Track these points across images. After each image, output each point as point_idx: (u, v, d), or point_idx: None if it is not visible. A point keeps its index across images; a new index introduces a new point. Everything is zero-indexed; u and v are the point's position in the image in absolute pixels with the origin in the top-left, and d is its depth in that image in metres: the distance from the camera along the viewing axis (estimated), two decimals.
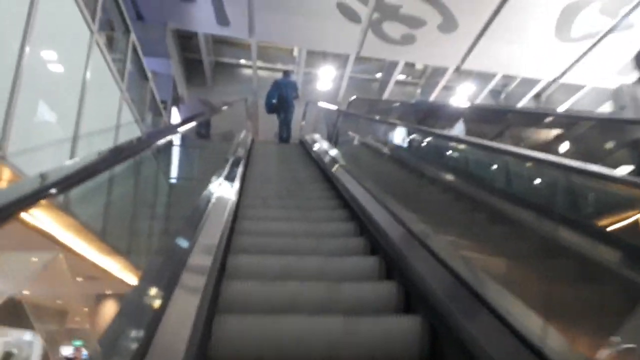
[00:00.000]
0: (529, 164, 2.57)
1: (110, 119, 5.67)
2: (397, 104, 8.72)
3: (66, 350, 8.29)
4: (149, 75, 8.07)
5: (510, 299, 1.79)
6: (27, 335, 8.55)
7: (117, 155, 1.71)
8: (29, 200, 0.92)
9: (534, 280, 2.05)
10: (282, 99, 9.28)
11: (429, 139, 3.99)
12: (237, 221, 3.36)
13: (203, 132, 7.90)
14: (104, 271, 4.71)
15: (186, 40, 12.74)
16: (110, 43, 6.18)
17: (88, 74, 4.77)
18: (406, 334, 1.91)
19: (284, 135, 9.62)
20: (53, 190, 0.98)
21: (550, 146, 4.15)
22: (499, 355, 1.52)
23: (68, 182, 1.11)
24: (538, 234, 2.29)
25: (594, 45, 10.81)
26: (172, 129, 3.25)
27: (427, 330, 1.91)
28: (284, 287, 2.26)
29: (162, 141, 2.53)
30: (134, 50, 6.92)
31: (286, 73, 9.76)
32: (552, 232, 2.16)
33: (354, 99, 9.83)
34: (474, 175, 3.52)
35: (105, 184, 2.37)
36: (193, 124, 3.63)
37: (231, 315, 1.96)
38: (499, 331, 1.63)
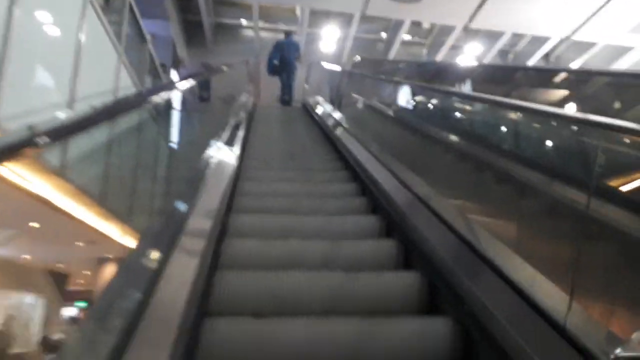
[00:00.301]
0: (533, 123, 2.55)
1: (108, 82, 5.59)
2: (403, 65, 8.54)
3: (70, 311, 8.56)
4: (148, 37, 7.91)
5: (511, 256, 1.80)
6: (28, 299, 8.80)
7: (112, 109, 1.69)
8: (14, 147, 0.92)
9: (535, 238, 2.06)
10: (284, 60, 9.12)
11: (434, 100, 3.94)
12: (238, 183, 3.37)
13: (204, 95, 7.84)
14: (104, 235, 4.78)
15: (185, 2, 12.44)
16: (106, 4, 6.04)
17: (83, 36, 4.68)
18: (405, 289, 1.95)
19: (286, 98, 9.52)
20: (41, 140, 0.98)
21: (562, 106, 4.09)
22: (497, 308, 1.55)
23: (58, 132, 1.11)
24: (542, 193, 2.29)
25: (607, 1, 10.45)
26: (170, 86, 3.21)
27: (426, 286, 1.94)
28: (285, 245, 2.30)
29: (159, 98, 2.50)
30: (131, 11, 6.77)
31: (288, 34, 9.54)
32: (557, 192, 2.16)
33: (359, 60, 9.64)
34: (478, 135, 3.49)
35: (102, 148, 2.36)
36: (192, 82, 3.59)
37: (231, 271, 2.00)
38: (497, 286, 1.66)
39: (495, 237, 1.97)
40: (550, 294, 1.53)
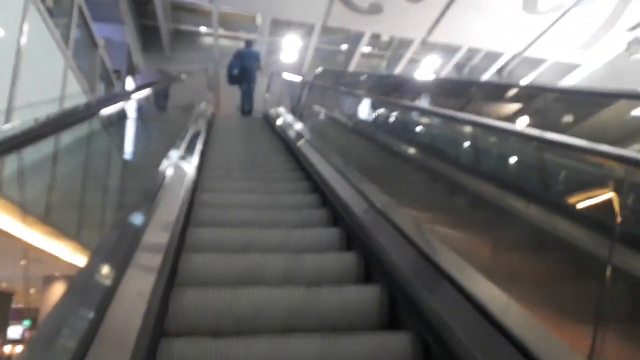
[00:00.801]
0: (488, 137, 2.65)
1: (54, 89, 5.20)
2: (364, 77, 8.69)
3: (15, 332, 8.10)
4: (100, 42, 7.64)
5: (468, 270, 1.86)
6: None
7: (57, 123, 1.62)
8: None
9: (490, 249, 2.14)
10: (244, 70, 9.10)
11: (394, 113, 4.03)
12: (197, 194, 3.32)
13: (162, 104, 7.67)
14: (50, 254, 4.55)
15: (142, 6, 12.18)
16: (55, 5, 5.78)
17: (24, 39, 4.44)
18: (367, 303, 1.97)
19: (246, 108, 9.48)
20: None
21: (515, 119, 4.28)
22: (455, 321, 1.59)
23: None
24: (497, 206, 2.38)
25: (559, 18, 11.06)
26: (125, 96, 3.11)
27: (387, 299, 1.97)
28: (246, 259, 2.27)
29: (112, 109, 2.42)
30: (81, 14, 6.53)
31: (249, 43, 9.52)
32: (511, 205, 2.25)
33: (321, 71, 9.74)
34: (437, 149, 3.59)
35: (46, 162, 2.24)
36: (147, 91, 3.51)
37: (190, 288, 1.96)
38: (456, 300, 1.70)
39: (453, 250, 2.03)
40: (505, 307, 1.59)
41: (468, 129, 2.95)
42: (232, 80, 9.16)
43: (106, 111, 2.35)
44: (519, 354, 1.34)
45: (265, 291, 1.96)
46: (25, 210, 3.22)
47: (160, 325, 1.75)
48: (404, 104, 3.84)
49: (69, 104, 5.28)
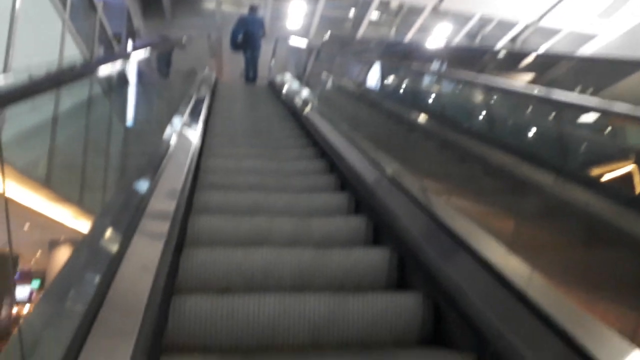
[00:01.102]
0: (500, 101, 2.64)
1: (51, 53, 4.98)
2: (374, 44, 8.54)
3: (22, 293, 8.31)
4: (98, 4, 7.48)
5: (479, 231, 1.88)
6: None
7: (55, 78, 1.56)
8: None
9: (496, 210, 2.17)
10: (248, 36, 8.93)
11: (407, 79, 3.99)
12: (202, 159, 3.33)
13: (164, 69, 7.61)
14: (53, 219, 4.59)
15: None
16: None
17: (18, 0, 4.32)
18: (375, 264, 2.01)
19: (250, 75, 9.39)
20: None
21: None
22: (461, 277, 1.63)
23: None
24: (500, 169, 2.39)
25: None
26: (124, 55, 3.05)
27: (395, 260, 2.01)
28: (253, 222, 2.31)
29: (112, 68, 2.38)
30: None
31: (252, 9, 9.29)
32: (516, 169, 2.26)
33: (329, 35, 9.59)
34: (446, 116, 3.59)
35: (47, 126, 2.21)
36: (148, 52, 3.46)
37: (199, 248, 2.00)
38: (466, 261, 1.73)
39: (460, 212, 2.05)
40: (516, 268, 1.61)
41: (479, 95, 2.94)
42: (236, 47, 9.03)
43: (105, 69, 2.30)
44: (531, 314, 1.37)
45: (275, 251, 2.00)
46: (26, 174, 3.23)
47: (171, 283, 1.80)
48: (419, 68, 3.78)
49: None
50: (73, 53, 5.50)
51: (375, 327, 1.73)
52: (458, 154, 2.96)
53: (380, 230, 2.33)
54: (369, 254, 2.06)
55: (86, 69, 2.04)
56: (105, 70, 2.32)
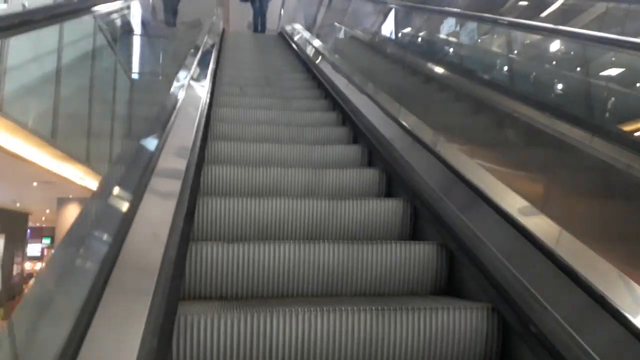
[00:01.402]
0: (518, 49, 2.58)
1: None
2: None
3: (34, 249, 8.58)
4: None
5: (495, 182, 1.89)
6: None
7: (52, 11, 1.53)
8: None
9: (509, 159, 2.16)
10: None
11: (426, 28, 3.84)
12: (213, 109, 3.31)
13: (171, 19, 7.45)
14: (61, 176, 4.60)
15: None
16: None
17: None
18: (390, 214, 2.04)
19: (258, 27, 9.19)
20: None
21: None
22: (479, 229, 1.65)
23: None
24: (515, 120, 2.36)
25: None
26: None
27: (410, 210, 2.05)
28: (268, 172, 2.33)
29: (115, 6, 2.29)
30: None
31: None
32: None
33: None
34: (463, 67, 3.51)
35: (50, 79, 2.14)
36: None
37: (213, 197, 2.04)
38: (480, 209, 1.75)
39: (474, 162, 2.05)
40: (531, 217, 1.63)
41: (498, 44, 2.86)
42: None
43: (106, 7, 2.23)
44: (548, 261, 1.39)
45: (289, 201, 2.03)
46: (30, 129, 3.18)
47: (188, 229, 1.84)
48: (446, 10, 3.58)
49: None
50: None
51: (392, 273, 1.78)
52: (470, 104, 2.91)
53: (394, 181, 2.35)
54: (384, 204, 2.09)
55: (85, 4, 1.95)
56: (108, 6, 2.23)
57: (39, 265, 9.00)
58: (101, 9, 2.20)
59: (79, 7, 1.89)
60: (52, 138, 3.11)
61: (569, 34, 2.22)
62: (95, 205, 1.56)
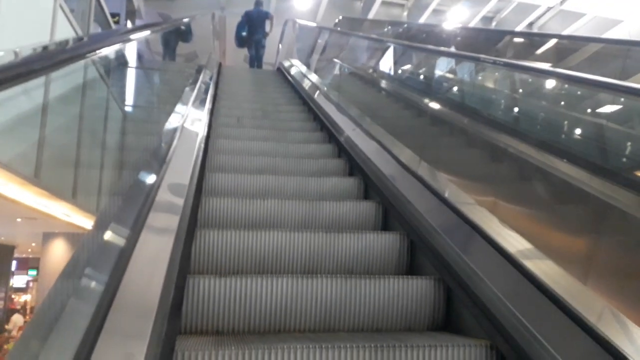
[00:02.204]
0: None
1: (41, 32, 4.59)
2: (390, 28, 8.34)
3: (20, 281, 8.51)
4: None
5: (490, 217, 1.95)
6: None
7: (44, 58, 1.35)
8: None
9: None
10: (252, 31, 9.07)
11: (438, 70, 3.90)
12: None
13: (170, 54, 7.64)
14: (45, 213, 4.55)
15: None
16: None
17: None
18: (387, 248, 2.12)
19: (254, 65, 9.48)
20: None
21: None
22: (473, 258, 1.72)
23: None
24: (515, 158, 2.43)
25: None
26: (123, 35, 2.68)
27: (407, 244, 2.12)
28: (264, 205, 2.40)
29: (110, 50, 2.19)
30: None
31: (257, 2, 9.26)
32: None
33: (341, 19, 9.54)
34: (459, 103, 3.61)
35: (36, 115, 2.06)
36: (152, 31, 3.34)
37: (211, 229, 2.09)
38: (475, 242, 1.82)
39: (471, 198, 2.12)
40: (526, 251, 1.69)
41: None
42: (241, 43, 9.21)
43: (103, 50, 2.05)
44: (543, 296, 1.45)
45: (286, 234, 2.09)
46: (11, 169, 3.02)
47: (186, 264, 1.88)
48: (454, 52, 3.64)
49: None
50: (66, 34, 5.11)
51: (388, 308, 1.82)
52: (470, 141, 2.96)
53: (390, 214, 2.43)
54: (381, 237, 2.16)
55: (81, 48, 1.78)
56: (103, 51, 2.09)
57: (23, 298, 8.91)
58: (104, 51, 2.12)
59: (81, 50, 1.78)
60: (36, 177, 2.98)
61: (564, 76, 2.30)
62: (90, 245, 1.55)
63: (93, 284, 1.31)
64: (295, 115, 4.83)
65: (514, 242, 1.76)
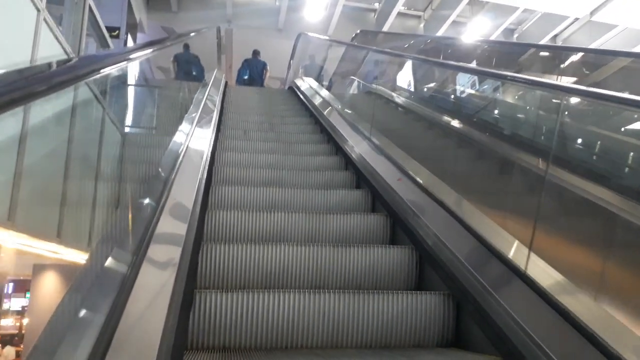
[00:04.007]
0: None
1: (23, 49, 4.14)
2: (413, 41, 8.16)
3: (18, 304, 8.75)
4: None
5: (503, 234, 2.09)
6: None
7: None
8: None
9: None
10: (252, 76, 10.56)
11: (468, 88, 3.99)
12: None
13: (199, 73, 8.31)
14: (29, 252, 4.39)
15: None
16: None
17: None
18: (395, 262, 2.31)
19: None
20: None
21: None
22: (482, 273, 1.86)
23: None
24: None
25: None
26: (125, 54, 2.33)
27: (415, 259, 2.31)
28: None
29: (109, 71, 1.88)
30: None
31: (255, 52, 10.86)
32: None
33: (359, 33, 9.63)
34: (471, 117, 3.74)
35: (12, 145, 1.77)
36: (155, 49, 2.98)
37: (217, 243, 2.26)
38: (485, 257, 1.96)
39: (481, 213, 2.26)
40: (540, 270, 1.83)
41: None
42: (243, 83, 10.57)
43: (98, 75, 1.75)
44: (554, 312, 1.58)
45: (293, 248, 2.27)
46: None
47: (193, 278, 2.05)
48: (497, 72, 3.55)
49: None
50: (52, 51, 4.73)
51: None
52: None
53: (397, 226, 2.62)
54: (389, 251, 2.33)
55: (70, 73, 1.43)
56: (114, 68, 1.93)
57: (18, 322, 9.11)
58: (110, 71, 1.93)
59: (70, 76, 1.44)
60: (9, 220, 2.72)
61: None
62: (85, 281, 1.50)
63: (90, 321, 1.30)
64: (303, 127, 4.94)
65: (521, 257, 1.89)
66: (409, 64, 4.90)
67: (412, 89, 4.81)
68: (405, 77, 4.99)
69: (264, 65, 11.01)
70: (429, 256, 2.25)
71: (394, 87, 5.09)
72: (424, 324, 1.99)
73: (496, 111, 3.60)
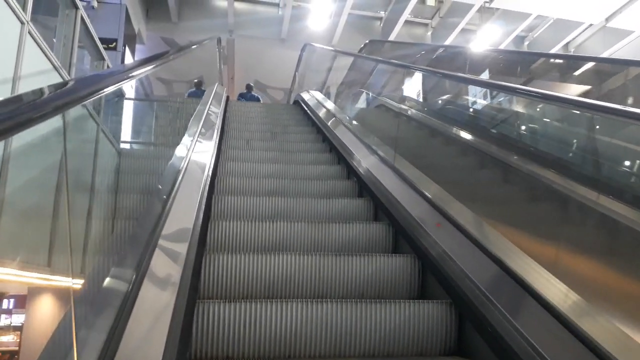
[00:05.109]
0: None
1: (5, 65, 3.92)
2: (424, 51, 7.96)
3: (19, 319, 8.91)
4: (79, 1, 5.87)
5: (508, 245, 2.17)
6: None
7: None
8: None
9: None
10: None
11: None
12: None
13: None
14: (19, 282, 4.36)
15: None
16: None
17: None
18: (398, 271, 2.42)
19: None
20: None
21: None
22: (484, 283, 1.95)
23: None
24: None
25: None
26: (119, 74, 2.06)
27: (418, 268, 2.43)
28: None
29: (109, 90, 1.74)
30: None
31: (248, 87, 11.62)
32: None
33: (369, 43, 9.49)
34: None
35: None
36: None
37: (220, 253, 2.38)
38: (487, 266, 2.06)
39: (486, 223, 2.36)
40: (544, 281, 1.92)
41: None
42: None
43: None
44: (557, 322, 1.66)
45: (296, 257, 2.38)
46: None
47: (195, 288, 2.15)
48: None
49: (30, 84, 4.01)
50: (38, 67, 4.57)
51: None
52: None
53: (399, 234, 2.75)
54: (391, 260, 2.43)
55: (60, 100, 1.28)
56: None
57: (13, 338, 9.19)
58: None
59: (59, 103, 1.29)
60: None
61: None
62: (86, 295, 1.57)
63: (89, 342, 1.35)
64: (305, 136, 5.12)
65: (525, 266, 1.98)
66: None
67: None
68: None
69: (258, 100, 11.86)
70: (432, 265, 2.36)
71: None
72: (426, 333, 2.08)
73: None
